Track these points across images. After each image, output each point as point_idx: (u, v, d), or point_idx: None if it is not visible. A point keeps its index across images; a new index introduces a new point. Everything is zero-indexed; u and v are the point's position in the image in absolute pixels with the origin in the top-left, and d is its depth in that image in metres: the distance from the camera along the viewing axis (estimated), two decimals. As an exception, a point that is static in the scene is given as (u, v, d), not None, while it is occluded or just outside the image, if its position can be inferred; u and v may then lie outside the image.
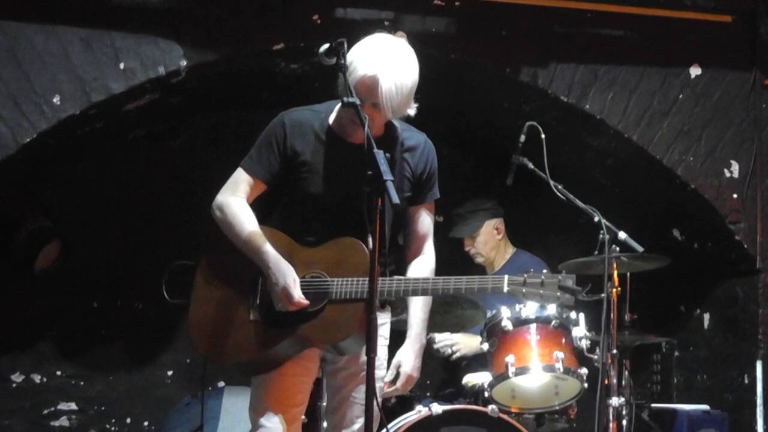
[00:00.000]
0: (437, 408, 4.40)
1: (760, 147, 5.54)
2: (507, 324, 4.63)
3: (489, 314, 4.80)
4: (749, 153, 5.53)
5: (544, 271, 3.47)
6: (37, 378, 5.83)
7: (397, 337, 3.75)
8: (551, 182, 4.60)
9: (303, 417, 3.99)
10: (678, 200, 5.69)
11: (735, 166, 5.52)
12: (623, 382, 4.66)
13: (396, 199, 3.07)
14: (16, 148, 4.76)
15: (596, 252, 4.52)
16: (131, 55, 4.84)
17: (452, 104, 5.80)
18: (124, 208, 5.87)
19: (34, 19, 4.77)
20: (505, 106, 5.65)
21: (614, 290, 4.53)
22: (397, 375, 3.67)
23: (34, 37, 4.76)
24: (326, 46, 3.29)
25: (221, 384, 5.64)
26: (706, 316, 5.99)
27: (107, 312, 5.90)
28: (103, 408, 5.90)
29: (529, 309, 4.63)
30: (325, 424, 3.81)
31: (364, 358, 3.55)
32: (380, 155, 3.10)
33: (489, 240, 5.59)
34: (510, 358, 4.52)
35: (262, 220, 3.57)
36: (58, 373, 5.86)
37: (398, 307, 3.91)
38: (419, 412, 4.47)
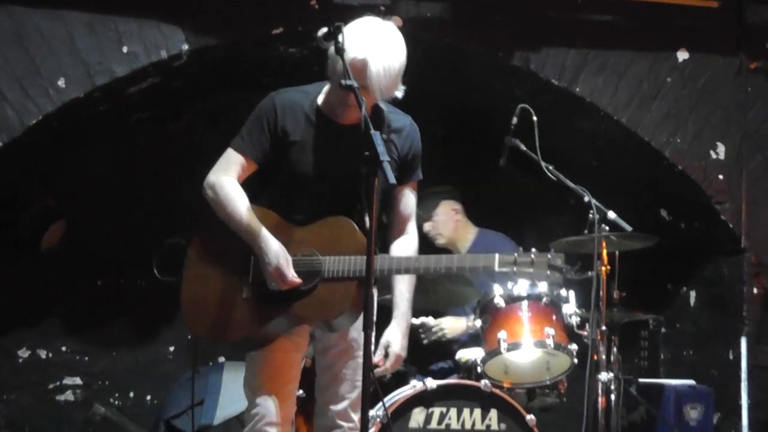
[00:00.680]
0: (431, 383, 4.41)
1: (746, 129, 5.57)
2: (499, 301, 4.66)
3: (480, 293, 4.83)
4: (735, 135, 5.55)
5: (533, 249, 3.48)
6: (42, 353, 5.87)
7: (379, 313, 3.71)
8: (542, 163, 4.59)
9: (301, 392, 4.05)
10: (666, 181, 5.70)
11: (721, 148, 5.53)
12: (612, 358, 4.65)
13: (393, 180, 3.05)
14: (22, 131, 4.77)
15: (586, 231, 4.50)
16: (134, 39, 4.85)
17: (446, 89, 5.82)
18: (127, 189, 5.88)
19: (39, 4, 4.77)
20: (497, 90, 5.67)
21: (603, 268, 4.51)
22: (386, 355, 3.66)
23: (39, 21, 4.77)
24: (324, 30, 3.29)
25: (221, 359, 5.68)
26: (693, 294, 6.02)
27: (111, 289, 5.92)
28: (107, 382, 5.95)
29: (521, 286, 4.66)
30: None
31: (352, 335, 3.62)
32: (377, 136, 3.09)
33: (448, 220, 5.58)
34: (502, 334, 4.55)
35: (252, 200, 3.55)
36: (64, 348, 5.91)
37: (381, 288, 3.87)
38: (414, 386, 4.50)
